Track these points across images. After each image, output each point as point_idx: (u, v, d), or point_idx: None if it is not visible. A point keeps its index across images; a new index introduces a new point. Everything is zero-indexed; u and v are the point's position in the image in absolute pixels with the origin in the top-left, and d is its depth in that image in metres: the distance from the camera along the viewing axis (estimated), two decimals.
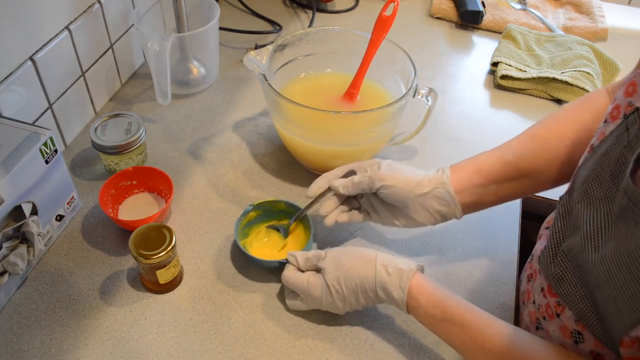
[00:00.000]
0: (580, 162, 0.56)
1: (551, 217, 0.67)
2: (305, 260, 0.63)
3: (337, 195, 0.69)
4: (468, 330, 0.54)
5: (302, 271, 0.64)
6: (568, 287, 0.51)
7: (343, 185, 0.67)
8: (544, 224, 0.67)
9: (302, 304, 0.63)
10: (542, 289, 0.57)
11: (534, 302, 0.59)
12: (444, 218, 0.66)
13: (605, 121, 0.53)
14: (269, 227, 0.73)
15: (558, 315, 0.54)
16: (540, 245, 0.62)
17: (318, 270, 0.63)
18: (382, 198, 0.66)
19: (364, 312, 0.66)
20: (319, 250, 0.63)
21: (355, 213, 0.70)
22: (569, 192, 0.56)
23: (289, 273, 0.63)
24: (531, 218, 0.87)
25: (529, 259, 0.67)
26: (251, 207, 0.72)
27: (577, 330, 0.52)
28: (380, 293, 0.58)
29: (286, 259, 0.65)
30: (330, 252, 0.62)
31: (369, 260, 0.60)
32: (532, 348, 0.52)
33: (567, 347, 0.52)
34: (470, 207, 0.65)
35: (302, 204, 0.73)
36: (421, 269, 0.60)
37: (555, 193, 0.83)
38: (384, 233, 0.75)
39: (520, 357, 0.51)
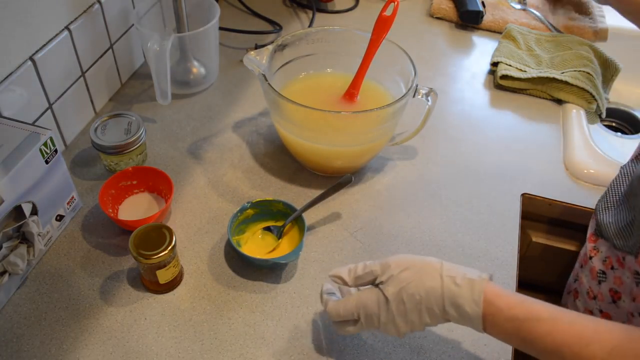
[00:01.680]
0: None
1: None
2: (356, 279, 0.56)
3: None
4: (561, 324, 0.48)
5: (348, 285, 0.57)
6: (615, 224, 0.60)
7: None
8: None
9: (357, 327, 0.56)
10: (585, 241, 0.66)
11: (578, 261, 0.67)
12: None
13: None
14: (264, 229, 0.73)
15: (590, 258, 0.64)
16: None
17: (371, 284, 0.56)
18: None
19: None
20: (370, 264, 0.56)
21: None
22: (634, 160, 0.64)
23: (335, 305, 0.56)
24: (531, 218, 0.87)
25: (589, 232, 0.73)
26: (249, 204, 0.72)
27: (602, 270, 0.58)
28: (449, 308, 0.51)
29: (274, 259, 0.65)
30: (387, 264, 0.55)
31: (433, 271, 0.53)
32: None
33: (593, 289, 0.59)
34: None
35: (301, 204, 0.73)
36: (490, 277, 0.53)
37: (554, 193, 0.83)
38: (383, 233, 0.75)
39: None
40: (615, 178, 0.71)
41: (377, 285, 0.54)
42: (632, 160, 0.70)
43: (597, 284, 0.67)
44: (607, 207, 0.68)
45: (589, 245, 0.70)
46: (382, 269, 0.54)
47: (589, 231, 0.73)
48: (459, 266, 0.53)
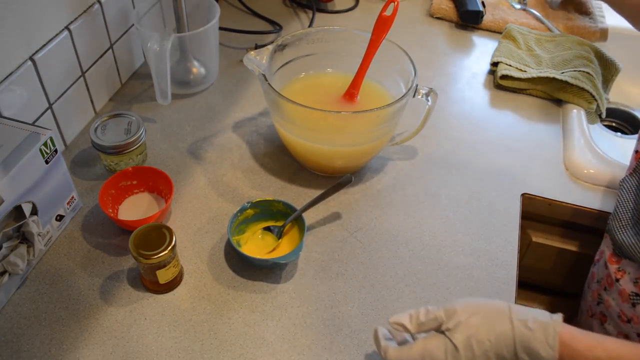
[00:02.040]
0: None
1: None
2: (419, 325, 0.54)
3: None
4: None
5: (410, 333, 0.55)
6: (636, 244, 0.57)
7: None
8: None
9: None
10: (605, 262, 0.63)
11: (598, 281, 0.64)
12: None
13: None
14: (264, 229, 0.73)
15: (617, 280, 0.59)
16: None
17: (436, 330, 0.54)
18: None
19: (363, 311, 0.66)
20: (433, 309, 0.54)
21: None
22: (632, 174, 0.63)
23: (397, 353, 0.54)
24: (531, 218, 0.87)
25: (599, 249, 0.72)
26: (249, 204, 0.72)
27: (635, 292, 0.56)
28: (522, 354, 0.49)
29: (274, 259, 0.65)
30: (453, 309, 0.53)
31: (502, 315, 0.51)
32: None
33: (626, 312, 0.53)
34: None
35: (301, 204, 0.73)
36: (562, 318, 0.51)
37: (554, 193, 0.83)
38: (383, 234, 0.75)
39: None
40: (620, 195, 0.71)
41: (442, 332, 0.53)
42: (630, 174, 0.71)
43: (631, 306, 0.66)
44: (623, 226, 0.68)
45: (611, 267, 0.69)
46: (448, 315, 0.53)
47: (606, 251, 0.71)
48: (527, 308, 0.52)
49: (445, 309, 0.53)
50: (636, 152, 0.72)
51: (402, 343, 0.56)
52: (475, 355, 0.50)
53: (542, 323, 0.50)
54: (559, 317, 0.50)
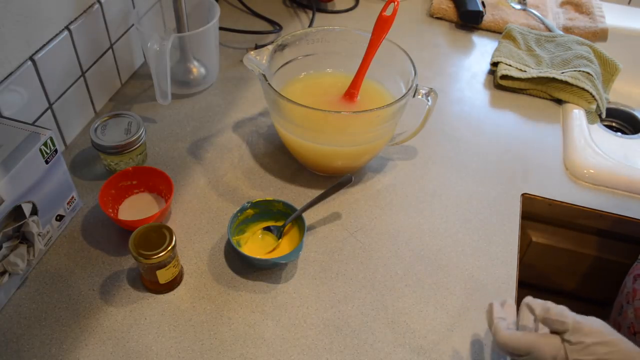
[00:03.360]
0: None
1: None
2: (545, 319, 0.53)
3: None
4: None
5: (535, 317, 0.55)
6: None
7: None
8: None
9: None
10: (634, 277, 0.58)
11: (626, 293, 0.60)
12: None
13: None
14: (264, 229, 0.73)
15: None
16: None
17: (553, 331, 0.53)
18: None
19: (363, 311, 0.66)
20: (567, 313, 0.53)
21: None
22: None
23: (508, 336, 0.53)
24: (531, 218, 0.87)
25: (636, 262, 0.68)
26: (249, 204, 0.72)
27: None
28: None
29: (274, 259, 0.65)
30: (580, 326, 0.51)
31: (629, 357, 0.49)
32: None
33: (635, 325, 0.51)
34: None
35: (301, 204, 0.73)
36: None
37: (554, 193, 0.83)
38: (383, 234, 0.75)
39: None
40: None
41: (562, 338, 0.52)
42: None
43: None
44: None
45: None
46: (575, 328, 0.51)
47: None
48: None
49: (575, 319, 0.52)
50: None
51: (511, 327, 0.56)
52: None
53: None
54: None
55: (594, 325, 0.51)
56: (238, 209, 0.71)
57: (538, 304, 0.54)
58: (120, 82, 0.95)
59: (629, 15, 1.25)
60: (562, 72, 0.98)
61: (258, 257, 0.69)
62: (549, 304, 0.54)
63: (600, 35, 1.14)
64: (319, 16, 1.18)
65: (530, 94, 1.01)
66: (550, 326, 0.53)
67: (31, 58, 0.71)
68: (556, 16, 1.22)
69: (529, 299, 0.56)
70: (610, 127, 1.13)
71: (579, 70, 0.97)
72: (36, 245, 0.64)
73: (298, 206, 0.73)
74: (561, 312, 0.53)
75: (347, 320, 0.65)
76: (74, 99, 0.82)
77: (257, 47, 1.06)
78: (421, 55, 1.08)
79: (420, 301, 0.68)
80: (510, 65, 1.01)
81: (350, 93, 0.83)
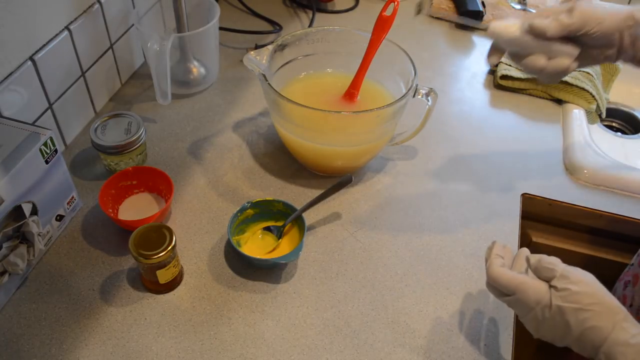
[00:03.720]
0: None
1: None
2: (537, 265, 0.54)
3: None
4: None
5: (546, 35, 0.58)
6: None
7: (547, 27, 0.59)
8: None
9: (505, 299, 0.55)
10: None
11: (631, 306, 0.59)
12: None
13: None
14: (264, 229, 0.73)
15: None
16: None
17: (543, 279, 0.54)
18: (586, 40, 0.60)
19: (363, 311, 0.66)
20: (557, 260, 0.54)
21: (539, 57, 0.62)
22: None
23: (499, 272, 0.54)
24: (531, 218, 0.87)
25: (627, 268, 0.66)
26: (249, 204, 0.72)
27: None
28: (602, 355, 0.49)
29: (274, 259, 0.65)
30: (570, 274, 0.52)
31: (611, 314, 0.50)
32: None
33: None
34: None
35: (301, 204, 0.73)
36: None
37: (554, 193, 0.83)
38: (383, 233, 0.75)
39: None
40: None
41: (550, 285, 0.52)
42: None
43: None
44: None
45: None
46: (563, 275, 0.52)
47: None
48: (633, 329, 0.49)
49: (566, 269, 0.52)
50: None
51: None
52: (560, 324, 0.50)
53: (636, 342, 0.48)
54: None
55: (582, 276, 0.52)
56: (238, 209, 0.71)
57: (534, 255, 0.55)
58: (120, 82, 0.95)
59: None
60: None
61: (258, 257, 0.69)
62: (543, 255, 0.55)
63: None
64: (319, 16, 1.18)
65: (530, 94, 1.01)
66: (540, 274, 0.53)
67: (31, 58, 0.71)
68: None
69: (526, 250, 0.57)
70: (610, 127, 1.13)
71: (579, 70, 0.97)
72: (36, 245, 0.64)
73: (298, 206, 0.73)
74: (552, 261, 0.53)
75: (347, 320, 0.65)
76: (74, 99, 0.82)
77: (257, 47, 1.06)
78: (421, 55, 1.08)
79: (420, 301, 0.68)
80: (510, 65, 1.01)
81: (350, 93, 0.83)
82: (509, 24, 0.62)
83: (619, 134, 1.10)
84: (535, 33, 0.60)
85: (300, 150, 0.79)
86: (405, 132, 0.85)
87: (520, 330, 0.61)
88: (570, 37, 0.60)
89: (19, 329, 0.62)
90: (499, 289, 0.55)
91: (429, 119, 0.81)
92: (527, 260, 0.55)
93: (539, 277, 0.53)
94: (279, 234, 0.72)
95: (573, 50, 0.61)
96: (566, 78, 0.96)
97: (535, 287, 0.52)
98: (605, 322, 0.49)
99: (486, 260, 0.57)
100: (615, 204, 0.82)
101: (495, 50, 0.65)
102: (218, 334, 0.63)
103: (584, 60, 0.63)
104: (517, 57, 0.63)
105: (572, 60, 0.61)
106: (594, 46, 0.61)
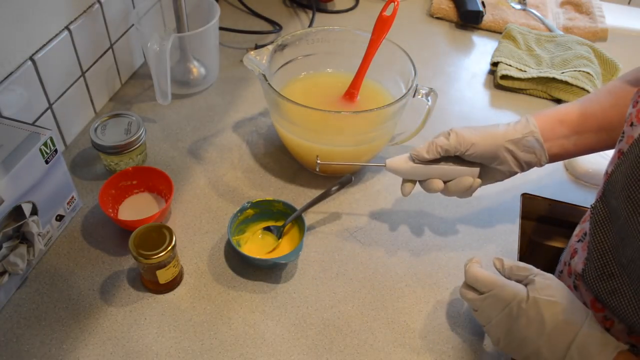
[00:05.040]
0: (610, 169, 0.54)
1: (582, 228, 0.65)
2: (510, 268, 0.59)
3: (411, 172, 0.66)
4: None
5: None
6: (621, 300, 0.51)
7: (427, 150, 0.64)
8: (574, 237, 0.66)
9: (475, 298, 0.58)
10: (584, 303, 0.58)
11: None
12: (529, 166, 0.66)
13: (632, 125, 0.52)
14: (264, 229, 0.73)
15: (608, 330, 0.54)
16: (579, 260, 0.60)
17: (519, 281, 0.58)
18: (469, 159, 0.65)
19: (363, 311, 0.66)
20: (529, 266, 0.58)
21: (435, 181, 0.66)
22: (602, 200, 0.55)
23: (475, 271, 0.59)
24: (531, 218, 0.87)
25: (556, 275, 0.67)
26: (249, 204, 0.72)
27: (631, 343, 0.52)
28: (574, 352, 0.51)
29: (274, 259, 0.66)
30: (543, 274, 0.56)
31: (581, 309, 0.53)
32: None
33: None
34: (551, 158, 0.66)
35: (301, 204, 0.73)
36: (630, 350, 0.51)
37: (554, 193, 0.83)
38: (383, 233, 0.75)
39: None
40: (592, 230, 0.55)
41: (527, 283, 0.56)
42: (599, 199, 0.57)
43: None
44: (601, 275, 0.55)
45: (596, 315, 0.59)
46: (538, 273, 0.56)
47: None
48: (600, 327, 0.52)
49: (540, 271, 0.57)
50: (606, 173, 0.58)
51: None
52: (534, 319, 0.52)
53: (608, 339, 0.50)
54: (626, 346, 0.50)
55: (554, 278, 0.56)
56: (238, 209, 0.71)
57: (507, 261, 0.60)
58: (120, 82, 0.95)
59: (629, 15, 1.25)
60: (562, 72, 0.98)
61: (258, 257, 0.69)
62: (506, 260, 0.60)
63: (600, 35, 1.14)
64: (319, 16, 1.18)
65: (530, 94, 1.01)
66: (515, 275, 0.58)
67: (31, 58, 0.71)
68: (556, 16, 1.22)
69: (500, 258, 0.61)
70: None
71: (579, 70, 0.97)
72: (36, 245, 0.64)
73: (298, 206, 0.73)
74: (526, 265, 0.58)
75: (347, 320, 0.65)
76: (74, 99, 0.82)
77: (257, 47, 1.06)
78: (421, 55, 1.08)
79: (420, 301, 0.68)
80: (510, 65, 1.01)
81: (350, 93, 0.83)
82: (401, 158, 0.67)
83: None
84: (418, 159, 0.65)
85: (301, 150, 0.79)
86: (405, 132, 0.85)
87: None
88: (460, 157, 0.65)
89: (19, 329, 0.62)
90: (476, 287, 0.58)
91: (429, 119, 0.81)
92: (502, 265, 0.60)
93: (516, 280, 0.58)
94: (279, 234, 0.72)
95: (471, 171, 0.66)
96: (566, 78, 0.96)
97: (512, 283, 0.56)
98: (577, 317, 0.52)
99: (465, 265, 0.61)
100: None
101: (405, 180, 0.69)
102: (218, 334, 0.63)
103: (486, 178, 0.68)
104: (421, 182, 0.68)
105: (473, 178, 0.66)
106: (488, 164, 0.66)
